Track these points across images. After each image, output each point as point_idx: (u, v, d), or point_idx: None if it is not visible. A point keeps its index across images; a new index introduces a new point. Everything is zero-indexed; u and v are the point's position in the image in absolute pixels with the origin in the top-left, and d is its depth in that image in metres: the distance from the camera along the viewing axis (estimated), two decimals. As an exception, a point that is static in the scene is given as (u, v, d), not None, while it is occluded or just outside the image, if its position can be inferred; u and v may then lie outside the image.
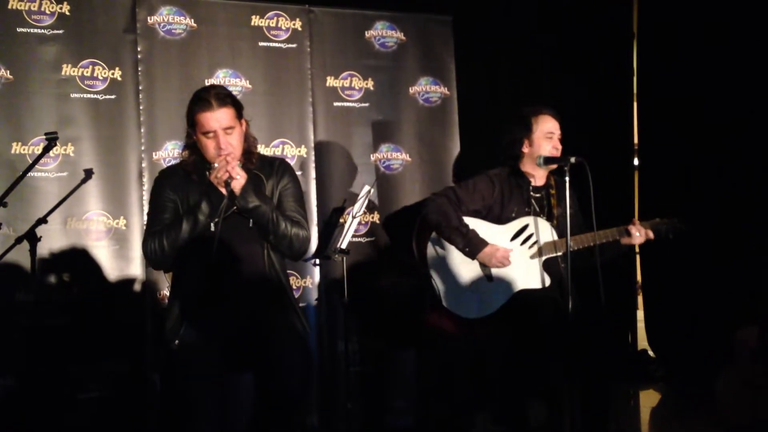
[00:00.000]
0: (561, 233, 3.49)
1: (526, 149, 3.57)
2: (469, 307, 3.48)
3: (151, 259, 2.95)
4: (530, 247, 3.52)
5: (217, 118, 2.84)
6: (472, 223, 3.52)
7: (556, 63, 5.21)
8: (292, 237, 2.96)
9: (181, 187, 2.95)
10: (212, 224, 2.85)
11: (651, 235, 3.53)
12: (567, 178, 3.20)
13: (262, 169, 3.02)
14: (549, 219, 3.56)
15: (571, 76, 5.22)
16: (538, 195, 3.60)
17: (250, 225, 2.91)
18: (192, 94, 2.97)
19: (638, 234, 3.49)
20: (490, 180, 3.59)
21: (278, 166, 3.08)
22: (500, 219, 3.55)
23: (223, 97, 2.88)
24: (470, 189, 3.58)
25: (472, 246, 3.45)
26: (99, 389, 3.84)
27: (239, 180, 2.82)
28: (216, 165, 2.84)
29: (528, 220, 3.53)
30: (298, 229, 2.98)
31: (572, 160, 3.23)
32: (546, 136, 3.53)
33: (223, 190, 2.83)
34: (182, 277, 2.98)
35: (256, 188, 2.92)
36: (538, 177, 3.60)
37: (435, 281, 3.53)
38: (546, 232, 3.51)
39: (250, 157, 2.98)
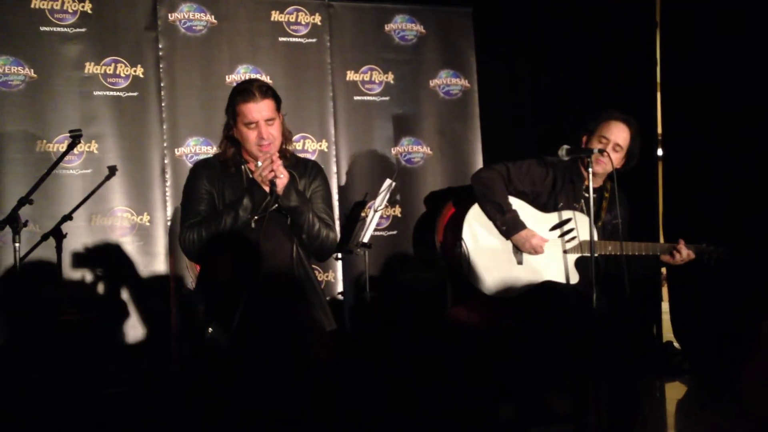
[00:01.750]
0: (603, 237, 3.46)
1: (583, 145, 3.50)
2: (494, 285, 3.46)
3: (188, 250, 2.97)
4: (568, 241, 3.48)
5: (260, 109, 2.88)
6: (516, 203, 3.47)
7: (578, 53, 5.16)
8: (324, 238, 3.01)
9: (218, 180, 2.98)
10: (253, 221, 2.89)
11: (692, 255, 3.47)
12: (590, 170, 3.18)
13: (296, 167, 3.05)
14: (595, 219, 3.49)
15: (594, 66, 5.18)
16: (589, 195, 3.53)
17: (288, 223, 2.94)
18: (232, 89, 2.98)
19: (682, 255, 3.43)
20: (545, 167, 3.51)
21: (311, 167, 3.12)
22: (545, 207, 3.50)
23: (265, 89, 2.93)
24: (523, 170, 3.51)
25: (510, 226, 3.42)
26: (124, 384, 3.87)
27: (282, 179, 2.85)
28: (260, 163, 2.86)
29: (572, 214, 3.48)
30: (329, 231, 3.03)
31: (595, 151, 3.20)
32: (599, 139, 3.44)
33: (266, 188, 2.86)
34: (210, 271, 3.00)
35: (297, 188, 2.95)
36: (596, 169, 3.50)
37: (465, 253, 3.48)
38: (587, 230, 3.45)
39: (284, 152, 3.01)
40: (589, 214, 3.24)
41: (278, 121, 2.95)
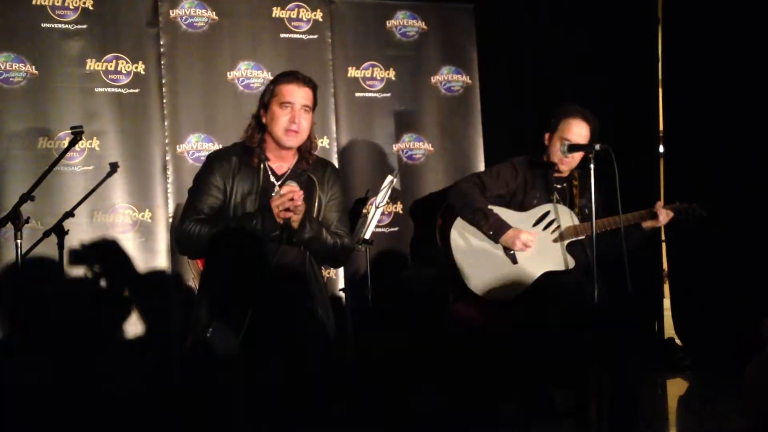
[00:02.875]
0: (583, 221, 3.52)
1: (546, 142, 3.61)
2: (496, 290, 3.49)
3: (182, 241, 2.93)
4: (552, 231, 3.55)
5: (300, 93, 2.92)
6: (495, 209, 3.54)
7: (580, 50, 5.16)
8: (339, 249, 3.02)
9: (233, 175, 2.95)
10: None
11: (671, 213, 3.54)
12: (592, 166, 3.19)
13: (315, 171, 3.04)
14: (571, 208, 3.57)
15: (596, 63, 5.17)
16: (560, 186, 3.62)
17: (301, 248, 2.94)
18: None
19: (662, 216, 3.49)
20: (513, 167, 3.64)
21: (330, 173, 3.10)
22: (523, 205, 3.58)
23: (309, 80, 2.99)
24: (494, 175, 3.64)
25: (496, 228, 3.48)
26: (125, 381, 3.88)
27: (298, 215, 2.84)
28: (281, 192, 2.84)
29: (549, 206, 3.56)
30: (343, 240, 3.03)
31: (597, 147, 3.21)
32: (561, 141, 3.53)
33: (279, 220, 2.84)
34: (218, 269, 2.99)
35: (310, 218, 2.94)
36: (562, 168, 3.60)
37: (460, 265, 3.53)
38: (567, 217, 3.54)
39: (307, 157, 3.01)
40: (590, 206, 3.26)
41: (310, 117, 2.97)
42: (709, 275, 5.01)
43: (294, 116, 2.90)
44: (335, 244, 2.98)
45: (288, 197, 2.79)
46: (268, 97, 2.96)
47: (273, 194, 2.89)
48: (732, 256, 4.81)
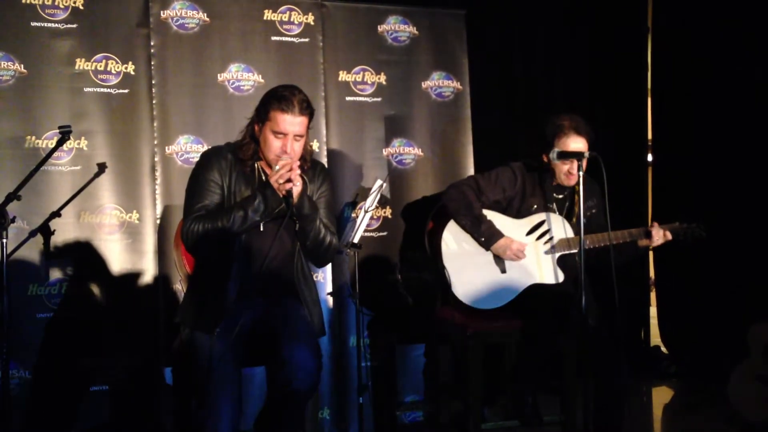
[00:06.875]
0: (579, 231, 3.48)
1: (545, 158, 3.51)
2: (481, 298, 3.48)
3: (187, 241, 2.91)
4: (545, 242, 3.52)
5: (294, 123, 2.86)
6: (489, 215, 3.52)
7: (570, 58, 5.18)
8: (328, 245, 3.02)
9: (229, 173, 2.94)
10: (262, 225, 2.87)
11: (669, 236, 3.49)
12: (581, 173, 3.18)
13: (306, 171, 3.03)
14: (569, 217, 3.54)
15: (585, 71, 5.19)
16: (559, 193, 3.58)
17: (296, 228, 2.93)
18: (271, 90, 2.97)
19: (657, 237, 3.45)
20: (513, 172, 3.57)
21: (320, 171, 3.12)
22: (519, 212, 3.54)
23: (306, 106, 2.89)
24: (492, 179, 3.56)
25: (488, 236, 3.45)
26: (111, 382, 3.86)
27: (298, 187, 2.82)
28: (277, 167, 2.83)
29: (545, 216, 3.52)
30: (332, 237, 3.03)
31: (586, 154, 3.21)
32: (562, 162, 3.44)
33: (281, 194, 2.83)
34: (208, 268, 2.98)
35: (310, 196, 2.94)
36: (567, 183, 3.55)
37: (448, 272, 3.52)
38: (562, 228, 3.50)
39: (302, 164, 2.99)
40: (579, 216, 3.25)
41: (305, 139, 2.94)
42: (695, 284, 5.04)
43: (285, 145, 2.87)
44: (325, 236, 2.99)
45: (287, 168, 2.79)
46: (262, 118, 2.92)
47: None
48: (718, 264, 4.84)
